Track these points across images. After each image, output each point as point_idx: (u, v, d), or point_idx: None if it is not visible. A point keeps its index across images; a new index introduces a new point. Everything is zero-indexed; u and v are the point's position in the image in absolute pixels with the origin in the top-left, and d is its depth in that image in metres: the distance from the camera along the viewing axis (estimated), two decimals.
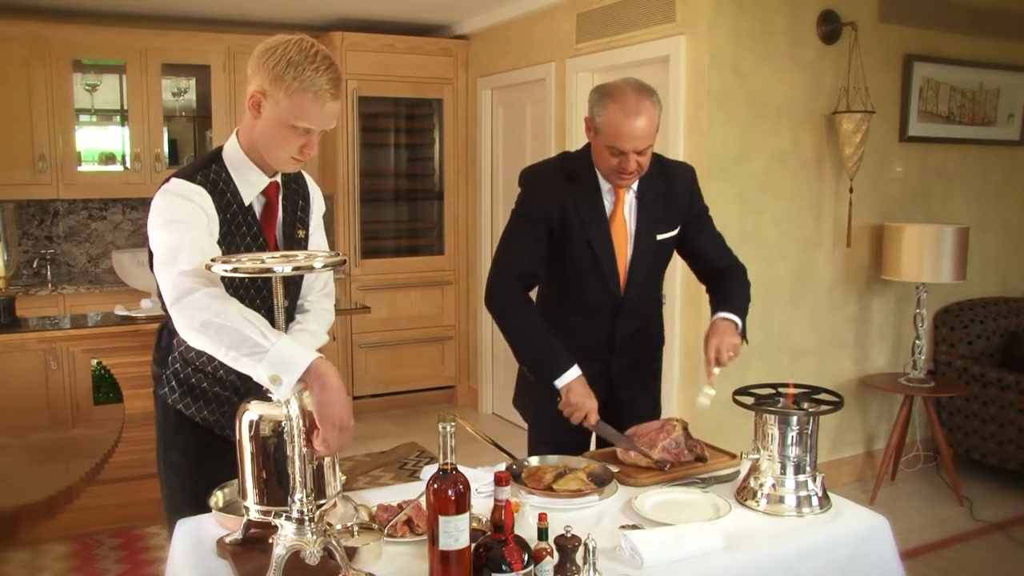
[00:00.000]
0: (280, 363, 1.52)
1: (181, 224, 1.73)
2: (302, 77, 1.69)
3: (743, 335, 2.28)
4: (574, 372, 2.20)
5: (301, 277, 2.02)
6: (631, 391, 2.41)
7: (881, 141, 4.15)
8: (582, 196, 2.26)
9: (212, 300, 1.60)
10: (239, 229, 1.84)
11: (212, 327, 1.57)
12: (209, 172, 1.82)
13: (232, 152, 1.85)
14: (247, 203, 1.85)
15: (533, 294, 2.40)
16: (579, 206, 2.26)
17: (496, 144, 5.45)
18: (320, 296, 2.06)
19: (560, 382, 2.19)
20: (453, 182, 5.68)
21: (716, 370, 2.18)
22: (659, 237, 2.32)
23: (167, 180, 1.82)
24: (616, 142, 2.12)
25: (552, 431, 2.29)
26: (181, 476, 1.99)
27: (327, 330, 2.03)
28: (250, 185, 1.86)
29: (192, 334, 1.61)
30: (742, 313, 2.29)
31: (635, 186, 2.28)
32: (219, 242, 1.79)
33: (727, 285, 2.37)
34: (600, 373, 2.31)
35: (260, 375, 1.53)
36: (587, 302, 2.34)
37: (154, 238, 1.75)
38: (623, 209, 2.28)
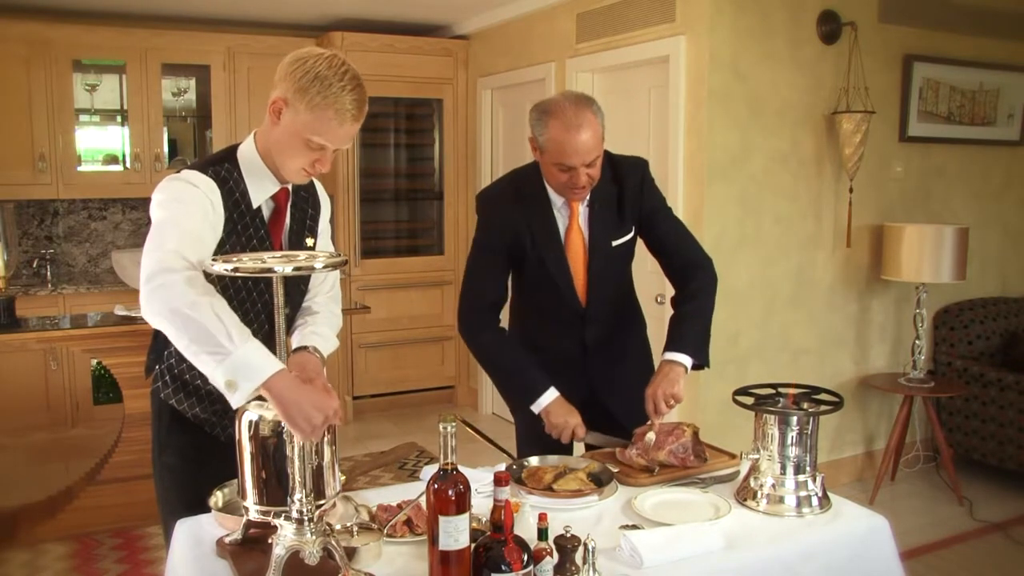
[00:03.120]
0: (239, 370, 1.47)
1: (182, 205, 1.71)
2: (326, 93, 1.66)
3: (702, 364, 2.23)
4: (550, 395, 2.19)
5: (305, 283, 2.01)
6: (612, 391, 2.39)
7: (881, 141, 4.15)
8: (534, 215, 2.24)
9: (188, 288, 1.53)
10: (246, 231, 1.83)
11: (179, 316, 1.51)
12: (221, 169, 1.80)
13: (247, 154, 1.84)
14: (255, 206, 1.84)
15: (505, 309, 2.38)
16: (532, 226, 2.24)
17: (496, 144, 5.45)
18: (327, 300, 2.04)
19: (536, 407, 2.19)
20: (453, 182, 5.68)
21: (658, 420, 2.12)
22: (614, 243, 2.29)
23: (177, 172, 1.81)
24: (562, 159, 2.09)
25: (540, 435, 2.28)
26: (176, 478, 1.98)
27: (336, 334, 2.01)
28: (261, 189, 1.84)
29: (156, 318, 1.55)
30: (695, 346, 2.21)
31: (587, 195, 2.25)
32: (223, 241, 1.78)
33: (682, 308, 2.28)
34: (577, 377, 2.31)
35: (217, 378, 1.49)
36: (552, 314, 2.33)
37: (152, 216, 1.71)
38: (578, 221, 2.26)
